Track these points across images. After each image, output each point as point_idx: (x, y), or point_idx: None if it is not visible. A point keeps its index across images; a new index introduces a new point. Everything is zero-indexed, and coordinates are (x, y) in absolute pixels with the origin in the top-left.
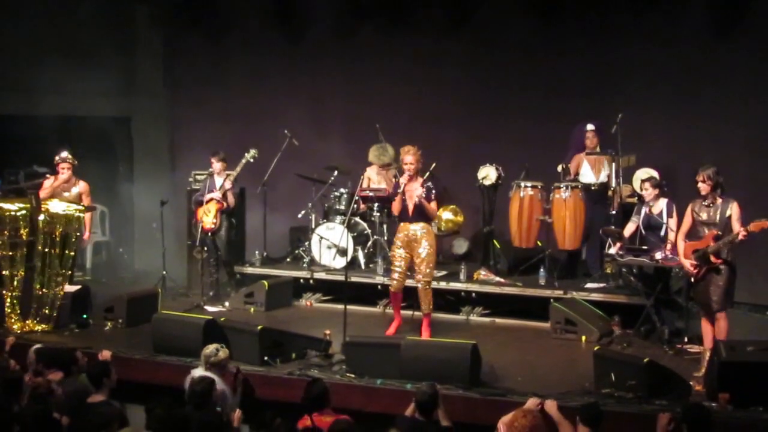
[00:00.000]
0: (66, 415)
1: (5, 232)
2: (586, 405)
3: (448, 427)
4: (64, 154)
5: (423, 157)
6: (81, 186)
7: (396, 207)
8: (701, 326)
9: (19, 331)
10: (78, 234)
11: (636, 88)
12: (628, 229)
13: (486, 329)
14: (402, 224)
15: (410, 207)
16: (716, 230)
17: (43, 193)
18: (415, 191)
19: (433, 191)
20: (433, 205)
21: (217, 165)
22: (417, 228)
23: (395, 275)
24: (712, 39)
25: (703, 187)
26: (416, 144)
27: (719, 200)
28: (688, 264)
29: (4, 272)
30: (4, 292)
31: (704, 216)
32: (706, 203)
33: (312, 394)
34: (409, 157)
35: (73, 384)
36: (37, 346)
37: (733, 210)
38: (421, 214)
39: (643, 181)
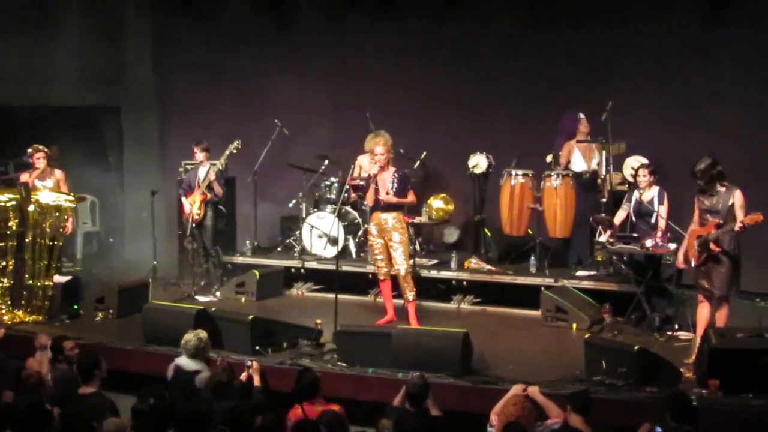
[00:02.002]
0: (56, 405)
1: None
2: (576, 393)
3: (438, 417)
4: (38, 148)
5: (393, 147)
6: (57, 174)
7: (369, 198)
8: (697, 313)
9: (9, 322)
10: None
11: (626, 74)
12: (619, 217)
13: (477, 317)
14: (374, 213)
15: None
16: (718, 218)
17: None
18: (387, 181)
19: (409, 179)
20: (410, 195)
21: (200, 155)
22: (388, 217)
23: (379, 264)
24: (703, 24)
25: (700, 184)
26: (407, 132)
27: (722, 188)
28: (681, 256)
29: None
30: None
31: (707, 203)
32: (709, 193)
33: (303, 384)
34: (379, 147)
35: (61, 372)
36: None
37: (736, 198)
38: (392, 204)
39: (638, 167)
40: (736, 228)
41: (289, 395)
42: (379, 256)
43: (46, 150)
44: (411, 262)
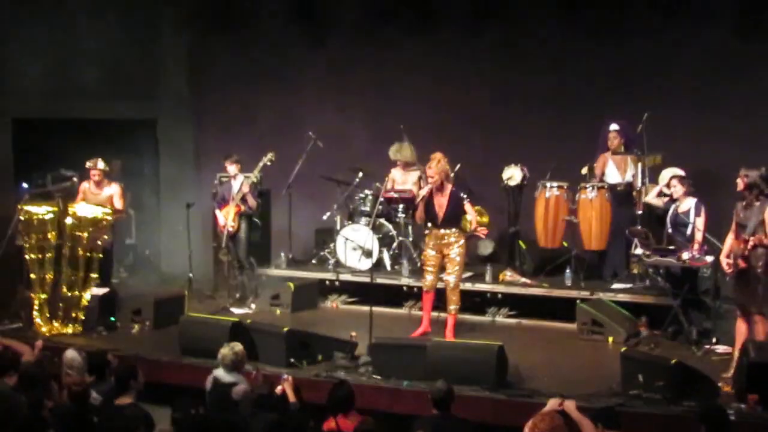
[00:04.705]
0: (96, 416)
1: (33, 235)
2: (602, 409)
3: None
4: (97, 163)
5: (449, 164)
6: (113, 188)
7: (419, 216)
8: (736, 327)
9: (47, 334)
10: (105, 237)
11: (663, 86)
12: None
13: (512, 330)
14: (433, 231)
15: (440, 215)
16: (745, 233)
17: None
18: (443, 201)
19: (465, 197)
20: (469, 212)
21: (231, 168)
22: (448, 232)
23: (427, 275)
24: (740, 36)
25: (739, 183)
26: (441, 144)
27: (757, 203)
28: (724, 262)
29: (32, 275)
30: (32, 294)
31: (741, 215)
32: (744, 204)
33: (337, 397)
34: (430, 170)
35: (107, 386)
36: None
37: (766, 214)
38: (451, 220)
39: (670, 178)
40: (749, 246)
41: (323, 408)
42: (429, 267)
43: (104, 169)
44: (464, 276)
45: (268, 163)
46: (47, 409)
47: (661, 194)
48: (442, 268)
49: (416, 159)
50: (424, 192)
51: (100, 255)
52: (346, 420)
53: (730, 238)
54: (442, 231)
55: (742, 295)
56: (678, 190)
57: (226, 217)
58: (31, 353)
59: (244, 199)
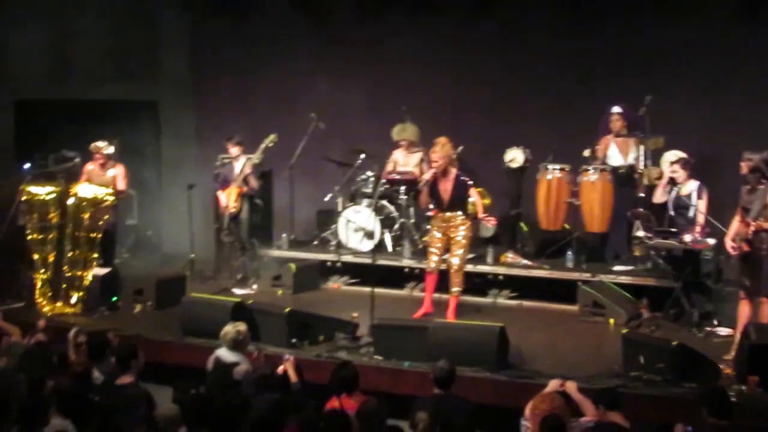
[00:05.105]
0: (97, 396)
1: (35, 215)
2: (603, 389)
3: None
4: (101, 145)
5: (453, 148)
6: (117, 169)
7: (423, 200)
8: (738, 309)
9: (49, 314)
10: (107, 218)
11: (665, 69)
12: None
13: (513, 312)
14: (439, 214)
15: (445, 199)
16: (749, 216)
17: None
18: (447, 187)
19: (469, 183)
20: (474, 197)
21: (233, 150)
22: (453, 215)
23: (432, 257)
24: (742, 19)
25: (742, 167)
26: (443, 126)
27: (760, 186)
28: (729, 245)
29: (34, 255)
30: (34, 275)
31: (745, 199)
32: (749, 188)
33: (342, 377)
34: (435, 154)
35: (108, 366)
36: (76, 329)
37: None
38: (456, 204)
39: (672, 162)
40: (750, 230)
41: (327, 388)
42: (434, 249)
43: (106, 153)
44: (468, 257)
45: (270, 145)
46: (48, 389)
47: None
48: (446, 250)
49: (419, 140)
50: (427, 177)
51: (101, 235)
52: (350, 400)
53: (735, 221)
54: (448, 214)
55: (747, 277)
56: (680, 174)
57: (228, 198)
58: (19, 334)
59: (245, 181)
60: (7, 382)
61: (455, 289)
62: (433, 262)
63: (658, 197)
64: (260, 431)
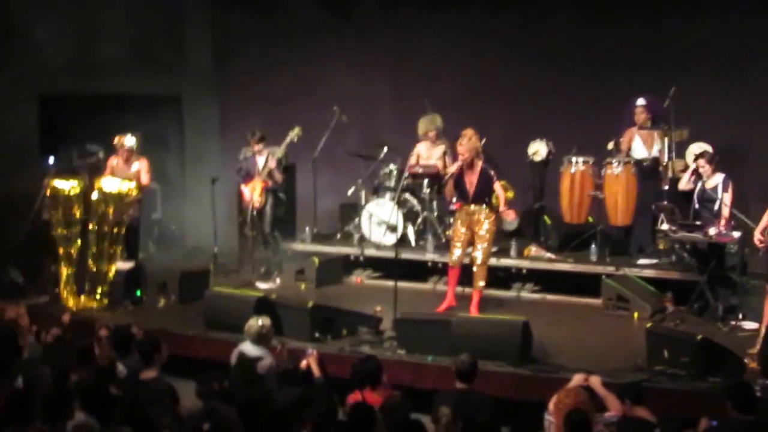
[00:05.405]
0: (122, 390)
1: (59, 210)
2: (628, 384)
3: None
4: (127, 141)
5: (479, 140)
6: (140, 163)
7: (448, 192)
8: (766, 302)
9: (74, 308)
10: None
11: (689, 60)
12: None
13: (537, 306)
14: (464, 207)
15: (470, 191)
16: None
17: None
18: (473, 178)
19: (494, 174)
20: (498, 190)
21: (257, 146)
22: (478, 209)
23: (455, 250)
24: (766, 8)
25: None
26: (466, 119)
27: None
28: (757, 238)
29: (59, 250)
30: (59, 269)
31: None
32: None
33: (366, 371)
34: (462, 147)
35: (133, 360)
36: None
37: None
38: (481, 195)
39: (696, 157)
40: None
41: (349, 382)
42: (457, 243)
43: (130, 146)
44: (492, 250)
45: (295, 139)
46: (72, 383)
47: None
48: (469, 244)
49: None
50: (453, 169)
51: (125, 229)
52: (374, 394)
53: (767, 215)
54: (473, 207)
55: None
56: (707, 169)
57: (252, 192)
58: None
59: (270, 175)
60: (32, 376)
61: (479, 283)
62: (455, 256)
63: (684, 184)
64: (282, 425)
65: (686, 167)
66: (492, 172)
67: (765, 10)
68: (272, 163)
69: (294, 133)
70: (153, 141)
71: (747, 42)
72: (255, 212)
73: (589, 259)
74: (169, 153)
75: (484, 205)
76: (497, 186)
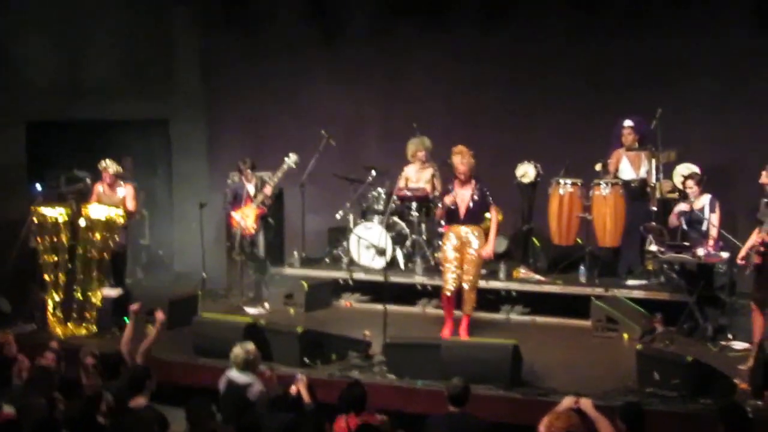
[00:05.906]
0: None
1: (47, 237)
2: (627, 404)
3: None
4: (108, 165)
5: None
6: (126, 189)
7: (440, 214)
8: (753, 321)
9: (62, 336)
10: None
11: (677, 82)
12: (672, 222)
13: (526, 328)
14: (453, 228)
15: (462, 210)
16: (764, 228)
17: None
18: (466, 197)
19: (488, 192)
20: (492, 210)
21: (248, 173)
22: (468, 230)
23: (448, 275)
24: (756, 31)
25: (762, 176)
26: (454, 142)
27: None
28: (739, 256)
29: (46, 277)
30: (46, 296)
31: (761, 211)
32: (766, 201)
33: (350, 397)
34: (462, 166)
35: (120, 388)
36: (84, 349)
37: None
38: (473, 215)
39: (685, 178)
40: (757, 241)
41: (335, 407)
42: (451, 267)
43: (116, 171)
44: (482, 273)
45: (294, 166)
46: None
47: (674, 190)
48: (460, 267)
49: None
50: (448, 201)
51: (111, 256)
52: (357, 420)
53: (754, 234)
54: (463, 229)
55: (759, 289)
56: (694, 190)
57: (245, 219)
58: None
59: (263, 202)
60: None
61: (468, 307)
62: (449, 283)
63: (673, 222)
64: None
65: (674, 188)
66: (488, 192)
67: (753, 31)
68: (268, 191)
69: (291, 161)
70: (141, 165)
71: (734, 63)
72: (249, 239)
73: (578, 280)
74: (157, 177)
75: (474, 226)
76: (493, 212)
